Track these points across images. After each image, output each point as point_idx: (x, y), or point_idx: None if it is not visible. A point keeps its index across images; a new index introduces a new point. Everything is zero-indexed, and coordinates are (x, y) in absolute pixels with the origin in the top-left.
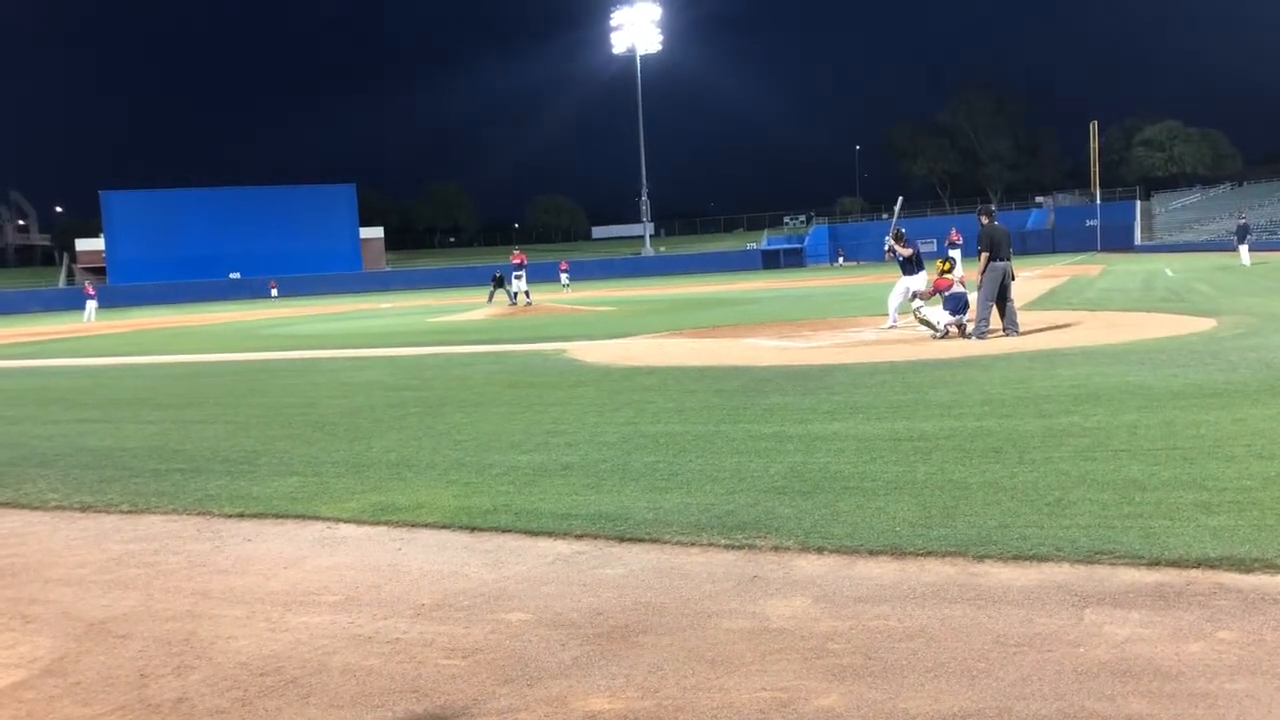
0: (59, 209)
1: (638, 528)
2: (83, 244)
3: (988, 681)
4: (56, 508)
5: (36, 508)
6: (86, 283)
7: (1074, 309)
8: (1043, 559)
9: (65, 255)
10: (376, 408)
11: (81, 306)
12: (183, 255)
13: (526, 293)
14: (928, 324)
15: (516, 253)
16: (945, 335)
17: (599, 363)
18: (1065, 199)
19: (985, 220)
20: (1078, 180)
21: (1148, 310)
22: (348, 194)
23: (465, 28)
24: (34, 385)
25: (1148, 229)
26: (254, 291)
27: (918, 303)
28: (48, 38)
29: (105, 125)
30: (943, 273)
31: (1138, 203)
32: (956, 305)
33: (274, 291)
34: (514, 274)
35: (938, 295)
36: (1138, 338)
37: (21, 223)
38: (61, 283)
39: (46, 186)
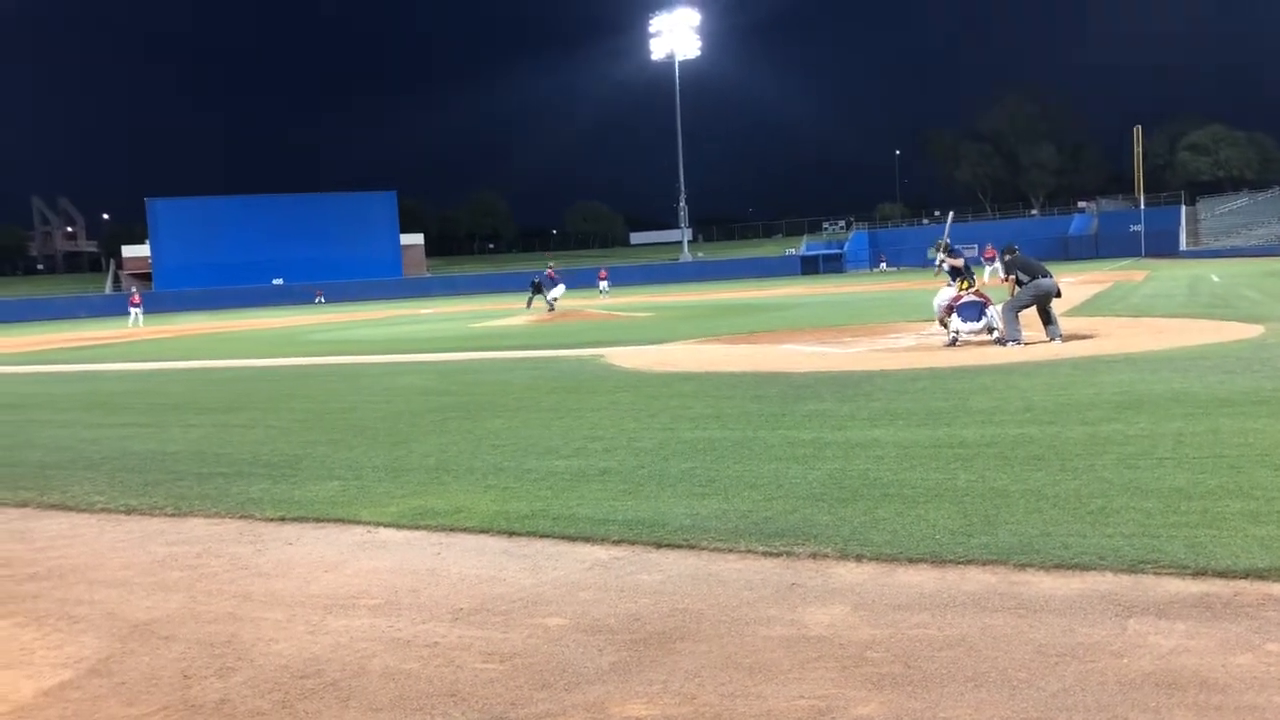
0: (106, 216)
1: (675, 534)
2: (129, 250)
3: (1029, 692)
4: (103, 510)
5: (83, 510)
6: (134, 289)
7: (1117, 315)
8: (1085, 568)
9: (112, 261)
10: (416, 412)
11: (127, 313)
12: (227, 261)
13: (554, 301)
14: (946, 328)
15: (550, 265)
16: (954, 343)
17: (637, 368)
18: (1109, 204)
19: (1009, 256)
20: (1121, 185)
21: (1193, 316)
22: (389, 201)
23: (504, 36)
24: (82, 390)
25: (1193, 234)
26: (297, 297)
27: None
28: (93, 47)
29: (153, 132)
30: (961, 288)
31: (1183, 207)
32: (970, 314)
33: (319, 299)
34: (548, 282)
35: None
36: (1183, 344)
37: (70, 229)
38: (108, 288)
39: (94, 193)
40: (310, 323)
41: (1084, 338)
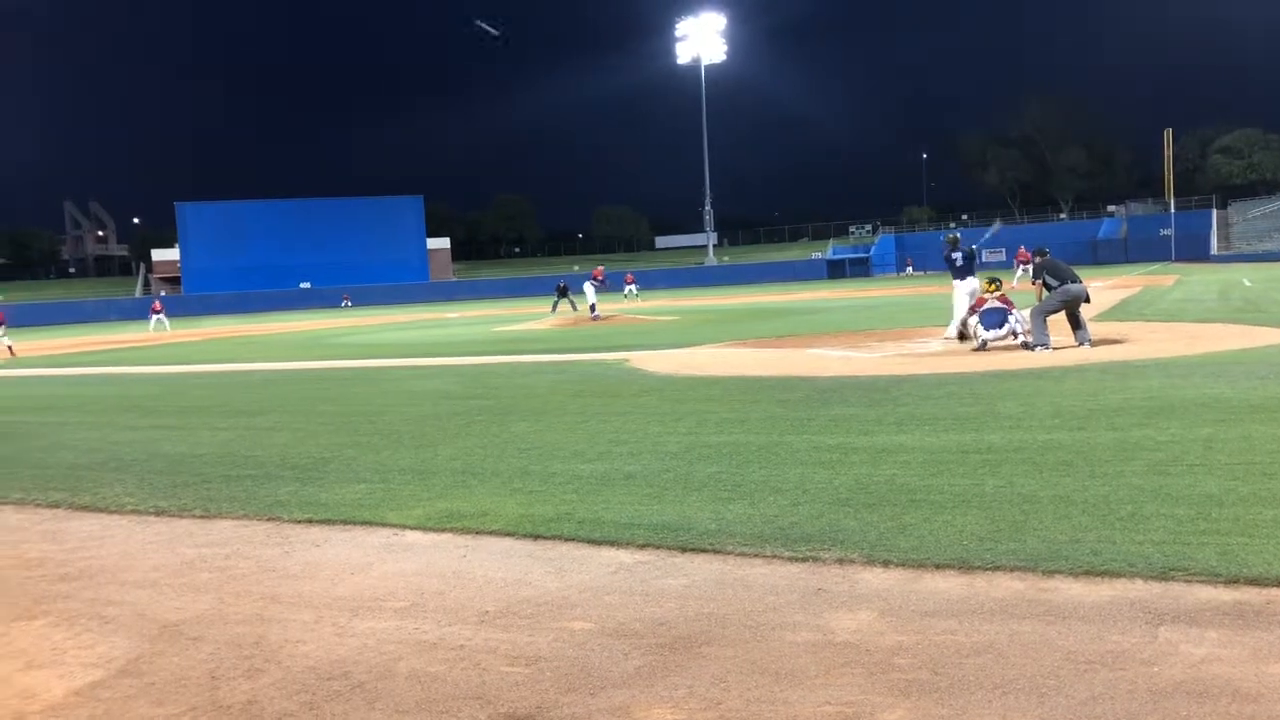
0: (136, 220)
1: (700, 538)
2: (159, 254)
3: (1058, 699)
4: (133, 511)
5: (114, 511)
6: (159, 295)
7: (1147, 320)
8: (1115, 575)
9: (142, 265)
10: (443, 416)
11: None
12: (255, 265)
13: (592, 306)
14: (968, 335)
15: (599, 269)
16: (982, 347)
17: (662, 372)
18: (1138, 208)
19: (1039, 259)
20: (1151, 189)
21: (1224, 321)
22: (415, 205)
23: (530, 40)
24: (112, 392)
25: (1224, 238)
26: (324, 301)
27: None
28: (123, 53)
29: (183, 137)
30: (986, 291)
31: (1214, 211)
32: (992, 321)
33: (346, 303)
34: (589, 285)
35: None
36: (1214, 349)
37: (101, 233)
38: (138, 292)
39: (125, 198)
40: (337, 326)
41: (1113, 342)
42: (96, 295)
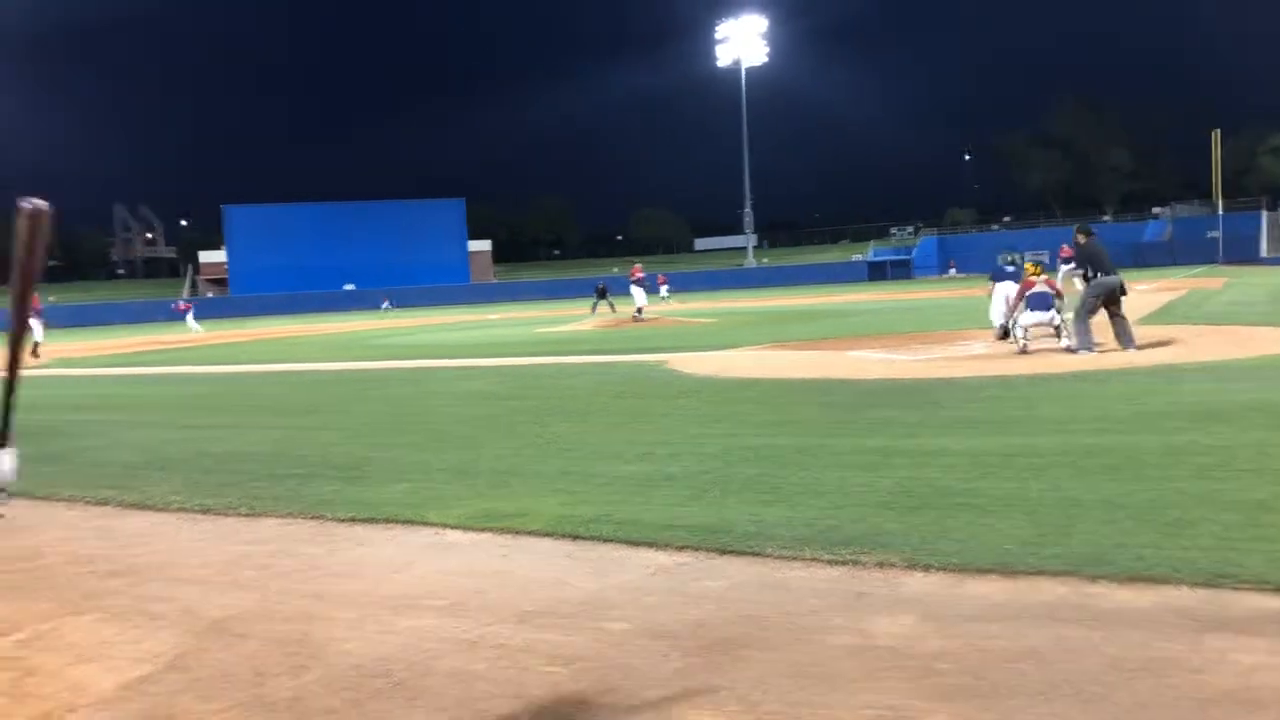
0: (184, 222)
1: (740, 540)
2: (205, 256)
3: (1102, 706)
4: (180, 509)
5: (161, 509)
6: (180, 300)
7: (1194, 323)
8: (1161, 581)
9: (189, 267)
10: (484, 417)
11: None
12: (300, 267)
13: (639, 308)
14: (1013, 334)
15: (636, 266)
16: (1024, 350)
17: (701, 374)
18: (1184, 209)
19: (1083, 239)
20: (1198, 190)
21: (1275, 324)
22: (457, 208)
23: (570, 43)
24: (160, 392)
25: (1275, 240)
26: (368, 302)
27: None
28: (172, 59)
29: (230, 141)
30: (1029, 275)
31: (1264, 213)
32: (1039, 304)
33: (386, 305)
34: (636, 288)
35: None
36: (1264, 353)
37: (149, 235)
38: (185, 293)
39: (173, 200)
40: (380, 327)
41: (1159, 345)
42: (145, 296)
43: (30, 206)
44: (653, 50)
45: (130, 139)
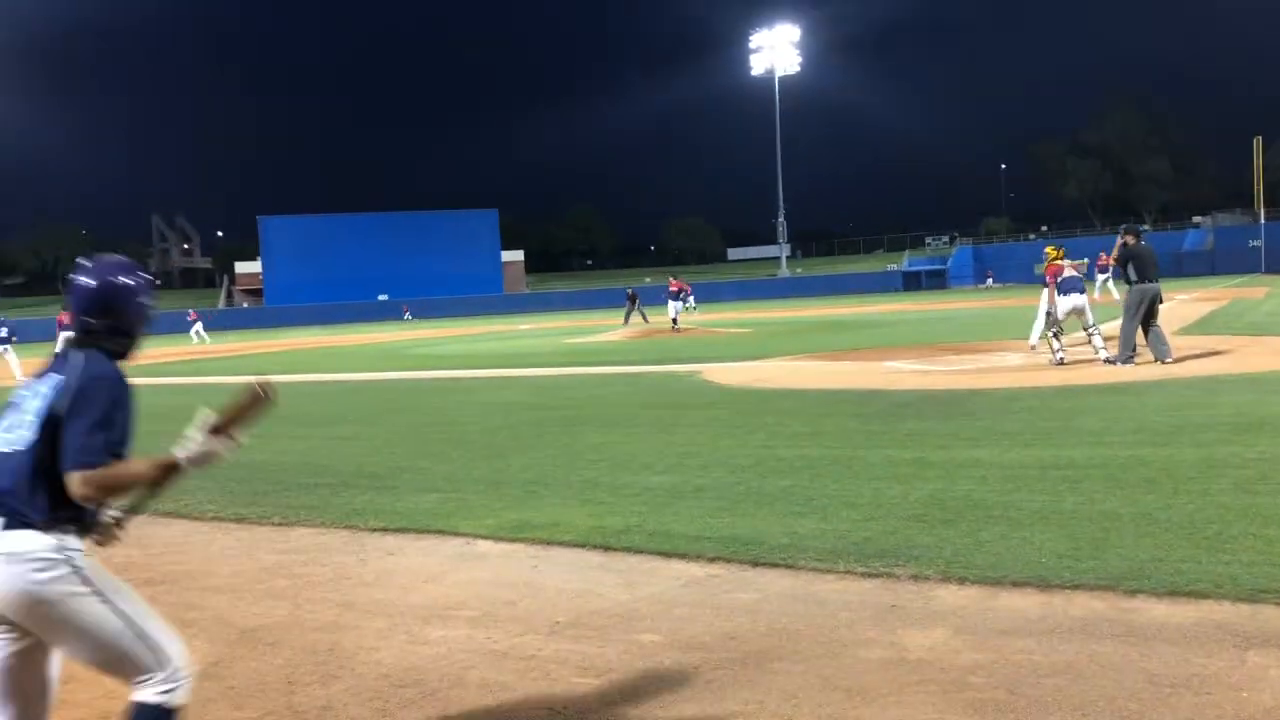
0: (220, 233)
1: (772, 552)
2: (242, 266)
3: None
4: (214, 518)
5: (196, 518)
6: (191, 310)
7: (1235, 333)
8: (1200, 596)
9: (225, 277)
10: (515, 427)
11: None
12: (334, 278)
13: (674, 319)
14: (1052, 342)
15: (673, 280)
16: (1060, 362)
17: (733, 385)
18: (1225, 218)
19: (1131, 240)
20: (1240, 200)
21: None
22: (490, 219)
23: (603, 52)
24: (195, 402)
25: None
26: (400, 313)
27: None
28: (213, 70)
29: (264, 152)
30: (1053, 259)
31: None
32: (1072, 286)
33: (407, 315)
34: (671, 298)
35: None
36: None
37: (186, 246)
38: (221, 303)
39: (209, 211)
40: (415, 338)
41: (1198, 357)
42: (182, 306)
43: (261, 390)
44: (686, 60)
45: (168, 150)
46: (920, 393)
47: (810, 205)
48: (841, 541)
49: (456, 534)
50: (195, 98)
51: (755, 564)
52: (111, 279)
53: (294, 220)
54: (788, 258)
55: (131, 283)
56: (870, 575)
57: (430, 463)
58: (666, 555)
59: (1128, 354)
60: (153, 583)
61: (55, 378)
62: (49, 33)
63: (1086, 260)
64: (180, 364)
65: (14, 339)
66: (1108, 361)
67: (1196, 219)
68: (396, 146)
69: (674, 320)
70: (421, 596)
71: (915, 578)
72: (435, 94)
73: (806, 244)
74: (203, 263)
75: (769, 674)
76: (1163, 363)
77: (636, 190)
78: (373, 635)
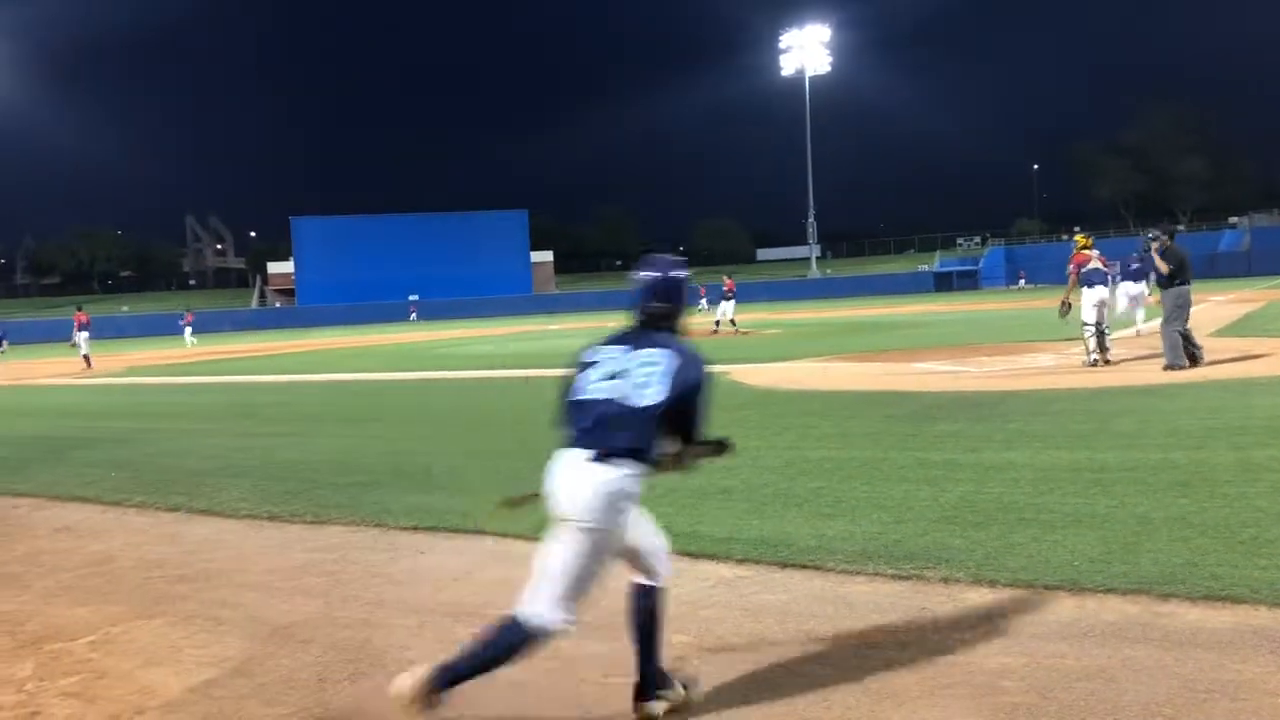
0: (253, 233)
1: (800, 554)
2: (274, 267)
3: None
4: (247, 516)
5: (229, 516)
6: (187, 312)
7: (1272, 335)
8: (1236, 601)
9: (258, 277)
10: (543, 426)
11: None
12: (365, 278)
13: (732, 320)
14: (1088, 343)
15: (727, 279)
16: (1094, 364)
17: (763, 386)
18: (1263, 219)
19: (1168, 242)
20: (1276, 200)
21: None
22: (520, 220)
23: (633, 54)
24: (229, 401)
25: None
26: (430, 314)
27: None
28: (245, 71)
29: (296, 154)
30: (1080, 248)
31: None
32: (1097, 279)
33: (413, 315)
34: (724, 299)
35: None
36: None
37: (219, 246)
38: (254, 303)
39: (242, 211)
40: (449, 337)
41: (1234, 360)
42: (215, 306)
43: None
44: (716, 61)
45: (203, 151)
46: (952, 394)
47: (840, 206)
48: (871, 543)
49: (487, 533)
50: (228, 100)
51: (784, 565)
52: (671, 273)
53: (325, 221)
54: (818, 258)
55: (684, 275)
56: (900, 578)
57: (461, 461)
58: (694, 556)
59: (1176, 357)
60: (186, 580)
61: (661, 351)
62: (84, 36)
63: (1118, 263)
64: (202, 364)
65: (4, 342)
66: (1093, 364)
67: (1233, 220)
68: (427, 149)
69: (732, 321)
70: (451, 594)
71: (946, 580)
72: (469, 98)
73: (836, 245)
74: (236, 263)
75: (797, 675)
76: (1196, 364)
77: (666, 191)
78: (403, 633)
